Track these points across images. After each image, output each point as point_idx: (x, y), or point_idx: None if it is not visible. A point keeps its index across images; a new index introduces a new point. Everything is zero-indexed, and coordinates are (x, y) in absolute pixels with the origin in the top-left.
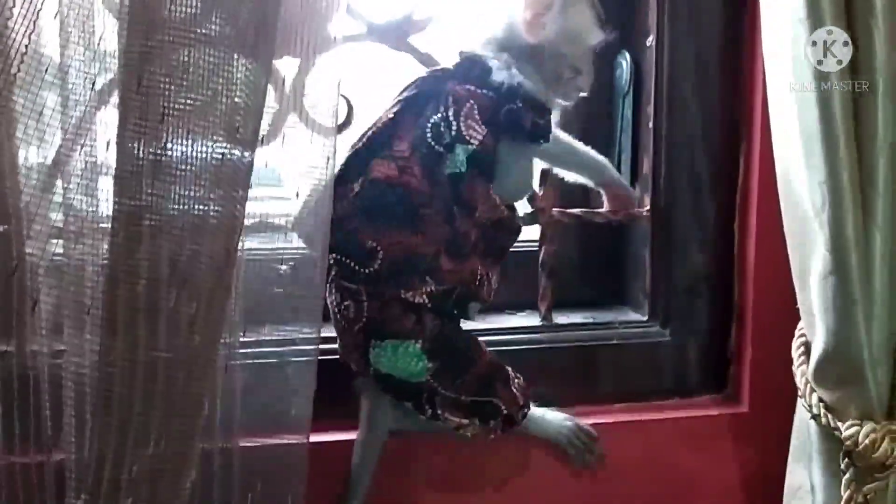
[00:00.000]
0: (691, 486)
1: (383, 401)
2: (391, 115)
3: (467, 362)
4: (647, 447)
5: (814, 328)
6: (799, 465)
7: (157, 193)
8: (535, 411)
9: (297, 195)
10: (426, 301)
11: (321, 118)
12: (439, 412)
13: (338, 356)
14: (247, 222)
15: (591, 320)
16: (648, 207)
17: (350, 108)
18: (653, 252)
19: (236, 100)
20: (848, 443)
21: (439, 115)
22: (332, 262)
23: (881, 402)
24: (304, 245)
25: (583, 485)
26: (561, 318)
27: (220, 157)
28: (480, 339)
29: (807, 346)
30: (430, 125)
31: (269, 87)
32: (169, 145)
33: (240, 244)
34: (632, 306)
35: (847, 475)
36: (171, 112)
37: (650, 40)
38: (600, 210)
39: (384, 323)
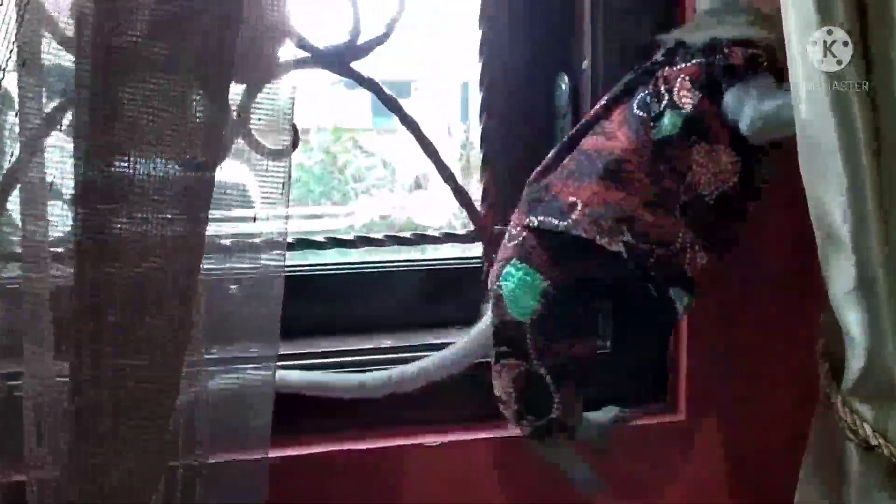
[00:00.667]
0: (633, 495)
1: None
2: (601, 105)
3: (571, 331)
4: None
5: (844, 345)
6: (812, 487)
7: (116, 215)
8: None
9: (255, 219)
10: (622, 251)
11: (270, 143)
12: (500, 366)
13: None
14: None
15: None
16: None
17: (296, 132)
18: None
19: (193, 123)
20: None
21: (649, 92)
22: (535, 225)
23: None
24: (262, 266)
25: (528, 493)
26: None
27: (180, 179)
28: (427, 353)
29: (832, 364)
30: (637, 100)
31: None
32: (129, 168)
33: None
34: None
35: None
36: (133, 135)
37: (586, 63)
38: None
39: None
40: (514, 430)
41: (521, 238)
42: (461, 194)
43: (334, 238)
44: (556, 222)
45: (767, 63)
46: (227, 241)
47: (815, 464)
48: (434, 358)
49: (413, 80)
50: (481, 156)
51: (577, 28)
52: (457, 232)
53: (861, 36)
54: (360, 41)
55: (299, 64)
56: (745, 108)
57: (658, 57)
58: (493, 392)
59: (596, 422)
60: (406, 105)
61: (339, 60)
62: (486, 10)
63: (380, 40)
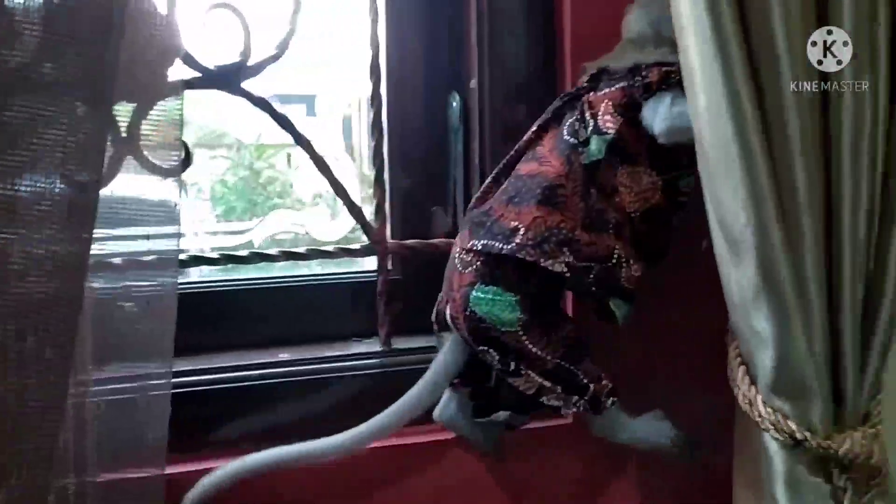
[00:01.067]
0: (524, 496)
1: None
2: (532, 132)
3: (557, 321)
4: (480, 460)
5: (756, 348)
6: (746, 491)
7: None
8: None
9: (148, 237)
10: (565, 270)
11: (161, 161)
12: (522, 367)
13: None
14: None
15: (430, 344)
16: None
17: (188, 151)
18: None
19: (78, 142)
20: (848, 456)
21: (576, 118)
22: (479, 248)
23: (850, 409)
24: (156, 283)
25: (416, 497)
26: (403, 343)
27: (64, 197)
28: (323, 366)
29: (747, 370)
30: (566, 126)
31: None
32: (12, 188)
33: (89, 283)
34: None
35: (848, 492)
36: (15, 154)
37: (473, 83)
38: (434, 240)
39: (495, 268)
40: (404, 439)
41: (477, 264)
42: (354, 209)
43: (228, 255)
44: (500, 245)
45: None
46: (118, 260)
47: (742, 466)
48: (405, 401)
49: (316, 95)
50: (373, 172)
51: (465, 48)
52: (353, 247)
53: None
54: (252, 61)
55: (190, 83)
56: (658, 113)
57: (583, 83)
58: (530, 391)
59: (489, 428)
60: (313, 118)
61: (231, 80)
62: (375, 30)
63: (271, 60)
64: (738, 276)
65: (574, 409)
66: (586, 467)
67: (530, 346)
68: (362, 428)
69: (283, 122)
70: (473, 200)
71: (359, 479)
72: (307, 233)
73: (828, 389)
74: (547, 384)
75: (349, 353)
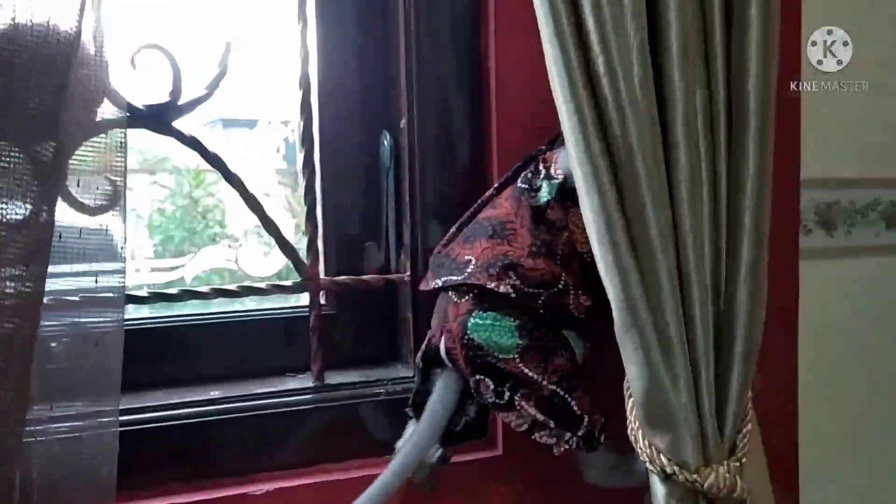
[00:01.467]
0: None
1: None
2: (494, 188)
3: (555, 347)
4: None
5: (631, 384)
6: None
7: None
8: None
9: (95, 273)
10: (511, 292)
11: (92, 200)
12: (516, 398)
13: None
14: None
15: (362, 378)
16: (409, 273)
17: (116, 188)
18: (414, 313)
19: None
20: (713, 490)
21: (530, 170)
22: (440, 285)
23: (714, 446)
24: (103, 320)
25: None
26: (337, 378)
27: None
28: (255, 402)
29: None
30: (522, 177)
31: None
32: None
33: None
34: (403, 363)
35: None
36: None
37: (403, 122)
38: (365, 277)
39: (493, 296)
40: (336, 475)
41: (474, 291)
42: (286, 247)
43: (157, 293)
44: (456, 278)
45: None
46: (60, 298)
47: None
48: (410, 449)
49: (258, 120)
50: (305, 209)
51: (395, 89)
52: (284, 283)
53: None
54: (182, 100)
55: (120, 123)
56: (564, 157)
57: (542, 147)
58: (521, 428)
59: (424, 462)
60: (253, 141)
61: (161, 119)
62: (305, 68)
63: (201, 100)
64: (614, 315)
65: (566, 447)
66: (517, 498)
67: (527, 371)
68: (370, 491)
69: (215, 162)
70: (437, 247)
71: None
72: (241, 268)
73: (695, 425)
74: (540, 418)
75: (282, 388)
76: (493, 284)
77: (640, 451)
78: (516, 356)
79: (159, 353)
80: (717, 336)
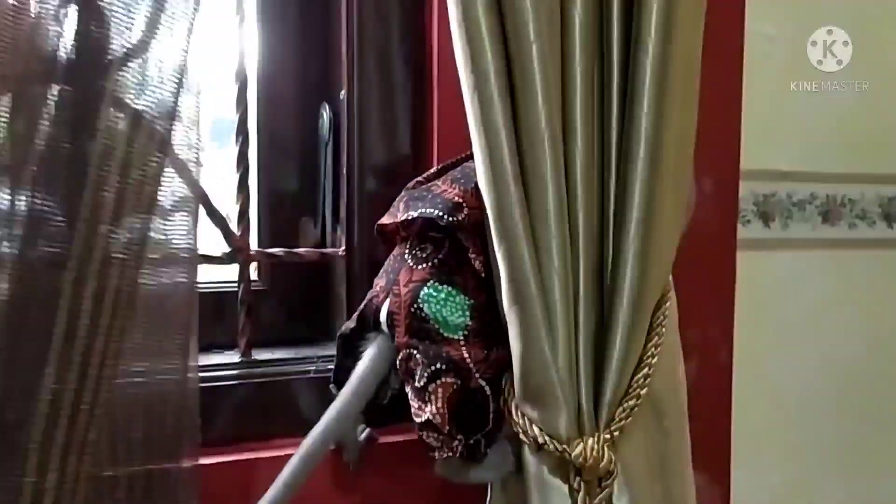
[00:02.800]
0: None
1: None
2: None
3: (500, 338)
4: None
5: (512, 358)
6: (500, 492)
7: None
8: None
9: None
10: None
11: None
12: (432, 387)
13: None
14: None
15: (291, 356)
16: (344, 248)
17: None
18: (348, 290)
19: None
20: (579, 460)
21: None
22: (414, 216)
23: (588, 417)
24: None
25: None
26: (265, 355)
27: None
28: None
29: (511, 379)
30: None
31: None
32: None
33: None
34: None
35: (580, 493)
36: None
37: (343, 94)
38: (298, 250)
39: (454, 270)
40: (261, 453)
41: (434, 260)
42: (215, 214)
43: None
44: (441, 214)
45: None
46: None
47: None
48: (332, 415)
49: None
50: (237, 178)
51: (336, 60)
52: (213, 254)
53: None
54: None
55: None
56: None
57: None
58: (417, 419)
59: (353, 443)
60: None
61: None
62: (242, 34)
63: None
64: (503, 288)
65: (447, 454)
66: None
67: (467, 357)
68: (294, 461)
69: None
70: (413, 182)
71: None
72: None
73: (572, 399)
74: (437, 420)
75: (207, 363)
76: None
77: (513, 423)
78: (461, 338)
79: None
80: (601, 313)
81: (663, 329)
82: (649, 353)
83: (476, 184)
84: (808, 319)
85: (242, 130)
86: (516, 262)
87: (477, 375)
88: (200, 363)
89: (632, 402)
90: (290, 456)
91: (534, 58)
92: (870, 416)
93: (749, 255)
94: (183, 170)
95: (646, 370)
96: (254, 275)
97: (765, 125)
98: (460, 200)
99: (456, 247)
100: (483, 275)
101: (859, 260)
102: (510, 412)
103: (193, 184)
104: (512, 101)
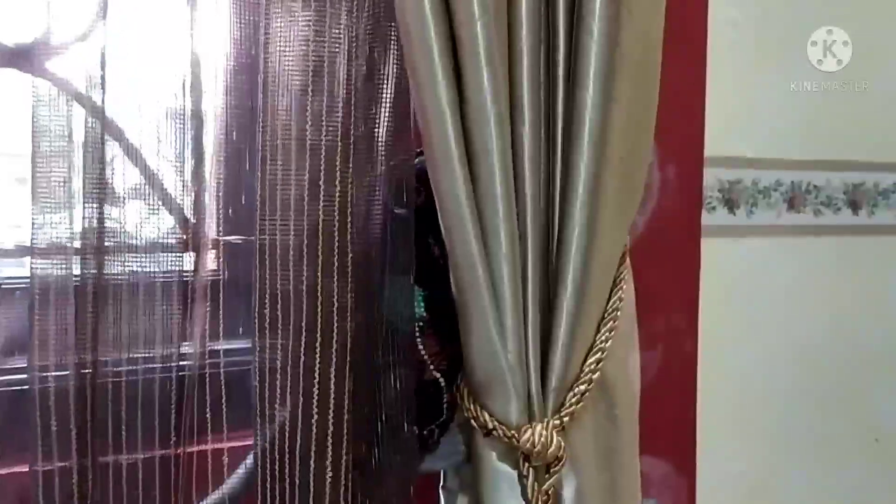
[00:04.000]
0: None
1: None
2: None
3: (452, 332)
4: None
5: (464, 345)
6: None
7: None
8: None
9: None
10: None
11: None
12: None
13: None
14: None
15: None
16: None
17: None
18: None
19: None
20: (527, 445)
21: None
22: None
23: (537, 403)
24: None
25: None
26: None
27: None
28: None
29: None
30: None
31: None
32: None
33: None
34: None
35: (529, 478)
36: None
37: None
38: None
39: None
40: (217, 444)
41: None
42: (168, 201)
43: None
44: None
45: None
46: None
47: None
48: None
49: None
50: (192, 162)
51: None
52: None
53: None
54: (56, 40)
55: None
56: None
57: None
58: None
59: None
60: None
61: (31, 59)
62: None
63: (77, 41)
64: (452, 276)
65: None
66: None
67: (421, 349)
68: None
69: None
70: None
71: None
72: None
73: (522, 386)
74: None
75: (162, 353)
76: None
77: (464, 409)
78: (416, 329)
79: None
80: (547, 298)
81: (618, 314)
82: (603, 338)
83: None
84: (774, 306)
85: (196, 115)
86: (464, 246)
87: (432, 368)
88: (156, 353)
89: (583, 387)
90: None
91: (478, 35)
92: (834, 403)
93: (714, 242)
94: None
95: (598, 354)
96: (213, 264)
97: (729, 111)
98: (418, 185)
99: (417, 234)
100: (442, 262)
101: (824, 247)
102: (461, 398)
103: (147, 170)
104: (457, 81)
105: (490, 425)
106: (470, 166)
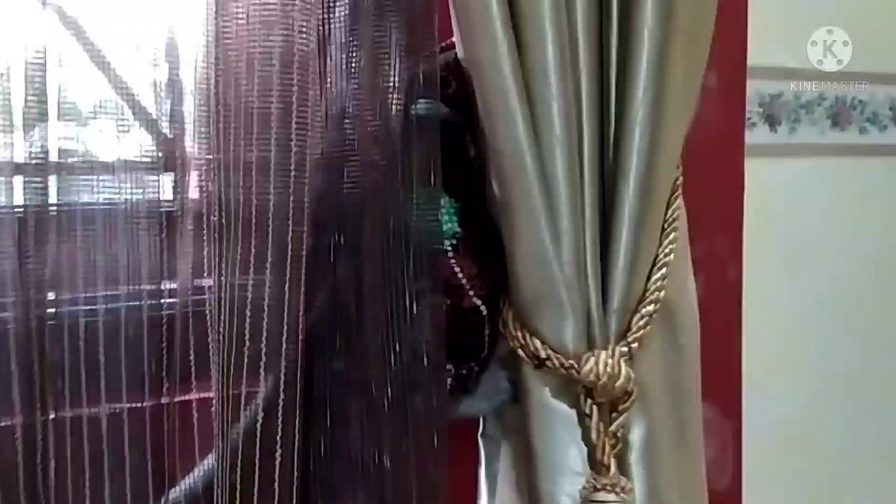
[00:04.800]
0: None
1: None
2: None
3: (495, 249)
4: None
5: (510, 259)
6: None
7: None
8: None
9: None
10: None
11: None
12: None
13: None
14: None
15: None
16: None
17: None
18: None
19: None
20: (591, 377)
21: None
22: None
23: (599, 326)
24: None
25: None
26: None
27: None
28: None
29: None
30: None
31: None
32: None
33: None
34: None
35: (593, 418)
36: None
37: None
38: None
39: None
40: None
41: None
42: (142, 113)
43: None
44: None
45: None
46: None
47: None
48: None
49: None
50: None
51: None
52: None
53: None
54: None
55: None
56: None
57: None
58: None
59: None
60: None
61: None
62: None
63: None
64: (495, 167)
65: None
66: None
67: (457, 269)
68: None
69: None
70: None
71: None
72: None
73: (580, 303)
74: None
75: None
76: None
77: (510, 336)
78: (449, 248)
79: None
80: (603, 199)
81: (678, 224)
82: (666, 251)
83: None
84: (816, 234)
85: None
86: (508, 129)
87: (471, 293)
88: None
89: (650, 308)
90: None
91: None
92: (877, 337)
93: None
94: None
95: (663, 270)
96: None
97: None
98: (445, 74)
99: (446, 132)
100: (480, 166)
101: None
102: (505, 324)
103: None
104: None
105: (543, 354)
106: (515, 32)
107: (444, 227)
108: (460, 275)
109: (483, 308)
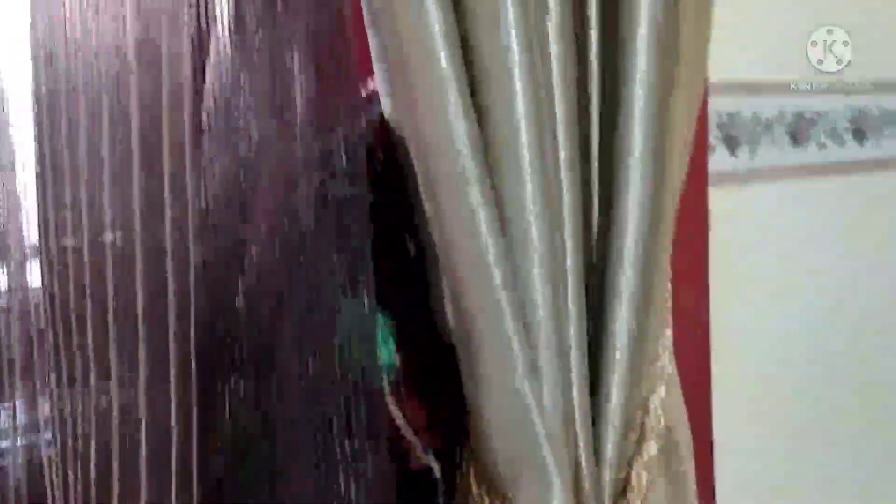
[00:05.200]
0: None
1: None
2: None
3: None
4: None
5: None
6: None
7: None
8: None
9: None
10: None
11: None
12: None
13: None
14: None
15: None
16: None
17: None
18: None
19: None
20: None
21: None
22: None
23: (591, 484)
24: None
25: None
26: None
27: None
28: None
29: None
30: None
31: None
32: None
33: None
34: None
35: None
36: None
37: None
38: None
39: None
40: None
41: None
42: None
43: None
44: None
45: None
46: None
47: None
48: None
49: None
50: None
51: None
52: None
53: None
54: None
55: None
56: None
57: None
58: None
59: None
60: None
61: None
62: None
63: None
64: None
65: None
66: None
67: (399, 419)
68: None
69: None
70: None
71: None
72: None
73: (567, 461)
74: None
75: None
76: None
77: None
78: (387, 387)
79: None
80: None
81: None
82: (664, 362)
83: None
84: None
85: None
86: (468, 237)
87: (418, 450)
88: None
89: (653, 451)
90: None
91: None
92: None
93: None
94: None
95: (662, 388)
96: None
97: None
98: (370, 140)
99: (375, 220)
100: (423, 268)
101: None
102: (466, 490)
103: None
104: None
105: None
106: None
107: (384, 358)
108: (403, 426)
109: (434, 466)
